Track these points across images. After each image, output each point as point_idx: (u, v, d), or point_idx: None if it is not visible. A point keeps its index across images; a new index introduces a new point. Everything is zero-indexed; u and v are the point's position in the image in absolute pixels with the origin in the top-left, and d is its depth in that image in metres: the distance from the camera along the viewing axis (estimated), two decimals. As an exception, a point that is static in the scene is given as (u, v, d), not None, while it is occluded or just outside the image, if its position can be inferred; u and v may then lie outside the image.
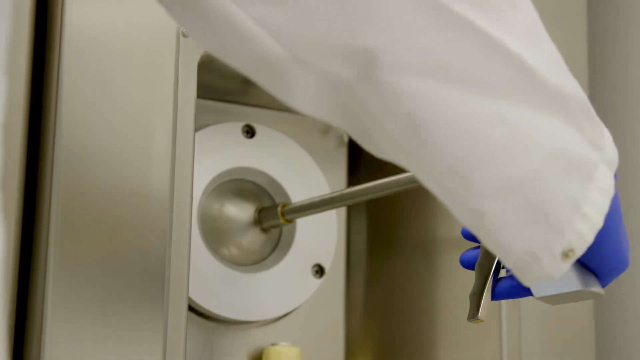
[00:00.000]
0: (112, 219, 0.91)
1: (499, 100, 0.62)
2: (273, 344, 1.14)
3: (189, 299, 1.06)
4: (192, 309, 1.10)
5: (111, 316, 0.90)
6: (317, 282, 1.18)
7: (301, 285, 1.17)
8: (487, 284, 0.81)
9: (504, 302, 1.14)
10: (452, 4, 0.61)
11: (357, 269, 1.25)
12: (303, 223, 1.17)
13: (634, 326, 1.34)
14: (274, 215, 1.14)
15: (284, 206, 1.13)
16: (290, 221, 1.14)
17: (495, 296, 0.82)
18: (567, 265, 0.66)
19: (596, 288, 0.73)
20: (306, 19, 0.60)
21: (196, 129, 1.00)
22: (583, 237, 0.66)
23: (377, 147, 0.66)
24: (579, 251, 0.66)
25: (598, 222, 0.66)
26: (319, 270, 1.18)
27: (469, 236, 0.82)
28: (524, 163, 0.63)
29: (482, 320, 0.80)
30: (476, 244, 0.84)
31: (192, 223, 0.97)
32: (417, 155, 0.64)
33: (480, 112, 0.62)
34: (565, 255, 0.66)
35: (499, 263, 0.82)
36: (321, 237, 1.19)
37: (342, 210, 1.23)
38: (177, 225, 0.94)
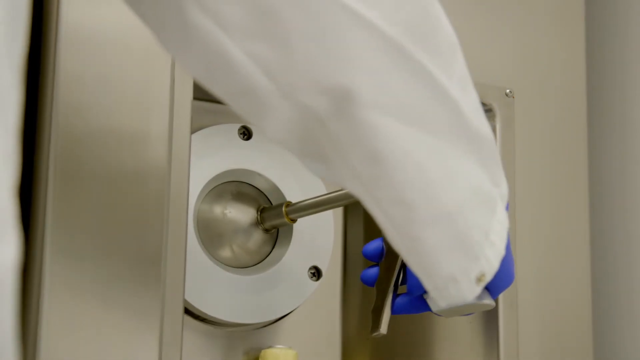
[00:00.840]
0: (108, 222, 0.90)
1: (440, 139, 0.70)
2: (270, 347, 1.14)
3: (185, 302, 1.06)
4: (189, 311, 1.10)
5: (107, 320, 0.89)
6: (314, 284, 1.17)
7: (298, 288, 1.16)
8: (387, 300, 0.89)
9: (501, 302, 1.14)
10: (412, 49, 0.68)
11: (354, 271, 1.25)
12: (300, 225, 1.17)
13: (632, 326, 1.34)
14: (278, 214, 1.13)
15: (288, 205, 1.12)
16: (295, 220, 1.13)
17: (394, 311, 0.89)
18: (480, 288, 0.74)
19: (488, 300, 0.79)
20: (294, 58, 0.67)
21: (192, 131, 1.00)
22: (491, 263, 0.74)
23: (331, 172, 0.72)
24: (489, 276, 0.74)
25: (501, 250, 0.74)
26: (316, 273, 1.18)
27: (370, 256, 0.92)
28: (454, 195, 0.71)
29: (383, 334, 0.87)
30: (375, 263, 0.92)
31: (188, 225, 0.96)
32: (371, 184, 0.70)
33: (426, 148, 0.69)
34: (479, 279, 0.74)
35: (397, 280, 0.89)
36: (318, 239, 1.19)
37: (339, 212, 1.23)
38: (174, 227, 0.94)
